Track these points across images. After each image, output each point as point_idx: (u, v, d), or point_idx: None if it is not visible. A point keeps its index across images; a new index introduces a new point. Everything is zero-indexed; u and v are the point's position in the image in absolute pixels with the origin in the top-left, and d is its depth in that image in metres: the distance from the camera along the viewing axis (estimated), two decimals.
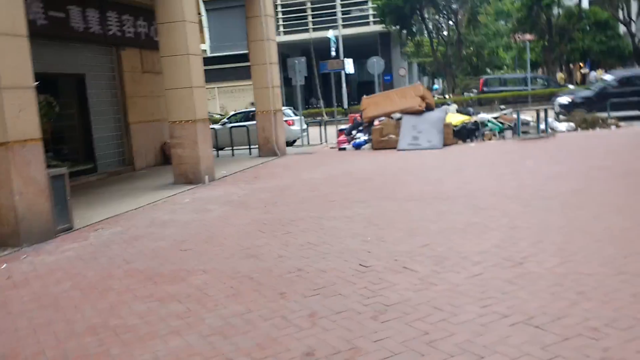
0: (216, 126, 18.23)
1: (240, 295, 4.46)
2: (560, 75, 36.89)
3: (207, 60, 43.22)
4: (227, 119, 19.86)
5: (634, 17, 36.72)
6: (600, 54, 37.40)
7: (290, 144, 19.25)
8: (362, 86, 38.55)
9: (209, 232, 6.80)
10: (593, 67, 37.87)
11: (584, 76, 35.64)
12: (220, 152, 17.40)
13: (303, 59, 18.95)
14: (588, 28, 37.43)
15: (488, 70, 44.39)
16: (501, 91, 29.79)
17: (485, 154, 12.37)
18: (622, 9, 36.76)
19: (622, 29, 38.50)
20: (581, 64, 39.21)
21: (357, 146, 15.85)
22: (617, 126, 16.30)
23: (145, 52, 14.98)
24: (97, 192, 11.10)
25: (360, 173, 10.84)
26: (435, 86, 39.69)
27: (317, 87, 23.66)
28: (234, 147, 17.30)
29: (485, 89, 30.45)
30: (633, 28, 37.00)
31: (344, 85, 29.25)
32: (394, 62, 40.42)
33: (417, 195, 8.05)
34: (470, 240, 5.51)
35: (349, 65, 28.68)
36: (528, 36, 38.23)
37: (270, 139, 15.33)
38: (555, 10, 36.99)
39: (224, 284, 4.78)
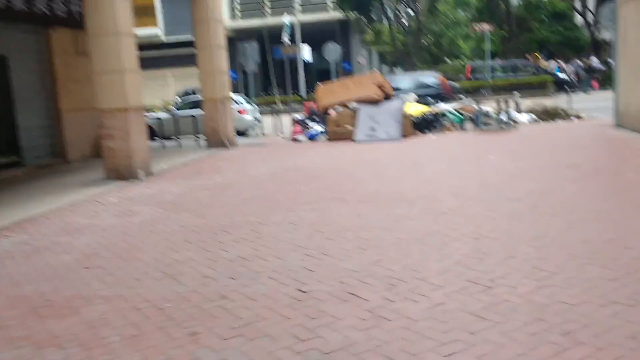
0: (161, 114, 16.98)
1: (142, 337, 3.50)
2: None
3: (161, 46, 41.43)
4: (177, 107, 18.64)
5: (591, 8, 36.85)
6: (557, 44, 37.48)
7: (242, 134, 18.20)
8: (322, 75, 37.58)
9: (126, 243, 5.77)
10: (550, 58, 37.86)
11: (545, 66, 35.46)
12: (167, 141, 16.18)
13: (254, 44, 17.88)
14: (546, 19, 37.43)
15: (447, 59, 44.07)
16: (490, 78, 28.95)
17: (446, 147, 11.64)
18: (581, 0, 36.84)
19: (579, 19, 38.69)
20: (537, 54, 39.20)
21: (312, 137, 14.94)
22: (579, 118, 15.90)
23: (80, 33, 13.61)
24: (18, 188, 9.86)
25: (311, 168, 9.94)
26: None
27: (271, 73, 22.56)
28: (183, 137, 16.10)
29: (471, 76, 29.80)
30: (590, 19, 37.18)
31: (301, 72, 28.22)
32: (354, 50, 39.58)
33: (371, 196, 7.20)
34: (430, 255, 4.68)
35: (306, 52, 27.69)
36: (486, 26, 37.99)
37: (218, 129, 14.25)
38: (515, 1, 36.78)
39: (125, 319, 3.80)
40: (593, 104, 18.56)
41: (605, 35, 38.87)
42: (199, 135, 15.27)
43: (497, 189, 7.09)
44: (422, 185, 7.65)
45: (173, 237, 5.87)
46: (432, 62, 42.33)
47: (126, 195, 8.51)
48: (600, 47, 37.93)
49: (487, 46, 35.50)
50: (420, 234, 5.29)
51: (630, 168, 7.83)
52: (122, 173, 9.65)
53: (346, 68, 35.93)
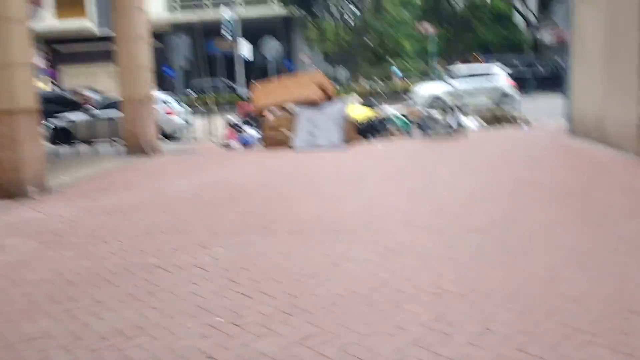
0: (76, 116, 15.16)
1: None
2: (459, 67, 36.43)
3: (93, 39, 38.69)
4: (98, 107, 16.78)
5: (534, 10, 37.02)
6: (499, 46, 37.47)
7: (171, 138, 16.59)
8: (265, 73, 36.00)
9: None
10: (490, 60, 37.79)
11: None
12: (83, 147, 14.36)
13: (186, 38, 16.29)
14: (488, 20, 37.34)
15: (390, 59, 43.46)
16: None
17: (392, 156, 10.53)
18: (523, 2, 36.94)
19: (520, 21, 38.87)
20: (476, 55, 39.09)
21: (246, 143, 13.55)
22: (527, 124, 15.21)
23: None
24: None
25: (240, 183, 8.58)
26: (396, 71, 37.20)
27: (205, 70, 20.97)
28: (102, 142, 14.32)
29: None
30: (531, 20, 37.36)
31: (237, 69, 26.67)
32: (297, 48, 38.33)
33: (306, 224, 5.93)
34: (377, 326, 3.44)
35: (246, 49, 26.19)
36: (429, 26, 37.58)
37: (138, 134, 12.64)
38: (460, 1, 36.46)
39: None
40: (539, 108, 17.99)
41: (545, 37, 39.29)
42: (117, 140, 13.59)
43: (453, 214, 5.96)
44: (367, 209, 6.44)
45: (37, 291, 4.40)
46: (377, 62, 41.63)
47: (3, 219, 6.90)
48: (540, 49, 38.26)
49: (432, 47, 35.09)
50: (364, 288, 4.04)
51: (600, 188, 6.90)
52: (6, 189, 7.98)
53: (289, 67, 34.62)
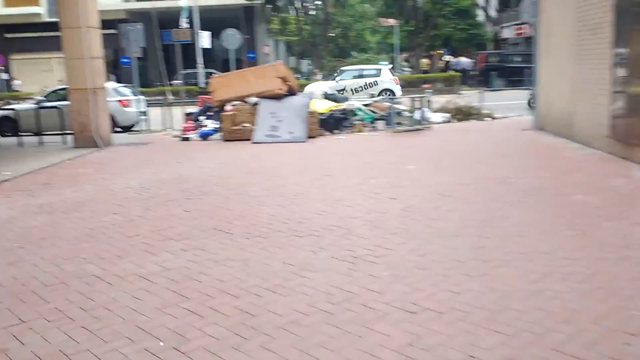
0: (17, 106, 14.22)
1: None
2: (424, 61, 36.41)
3: (45, 26, 37.17)
4: (45, 96, 15.83)
5: (495, 5, 37.22)
6: (460, 41, 37.56)
7: (127, 129, 15.79)
8: (226, 64, 35.17)
9: None
10: (454, 55, 37.86)
11: (446, 63, 35.40)
12: (27, 139, 13.45)
13: (139, 26, 15.50)
14: (451, 15, 37.33)
15: (353, 53, 43.13)
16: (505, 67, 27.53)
17: (357, 151, 10.11)
18: None
19: (482, 17, 39.04)
20: (439, 51, 39.11)
21: (205, 136, 12.92)
22: (492, 118, 15.04)
23: None
24: None
25: (196, 179, 8.00)
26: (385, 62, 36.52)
27: (160, 60, 20.11)
28: (48, 134, 13.42)
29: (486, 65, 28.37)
30: (492, 16, 37.59)
31: (199, 60, 25.82)
32: (259, 40, 37.53)
33: (265, 226, 5.44)
34: (345, 353, 2.98)
35: (205, 39, 25.37)
36: (392, 21, 37.33)
37: (88, 126, 11.86)
38: None
39: None
40: (502, 103, 17.86)
41: (505, 33, 39.60)
42: (66, 132, 12.75)
43: (424, 215, 5.57)
44: (331, 209, 5.99)
45: None
46: (340, 54, 41.22)
47: None
48: (501, 45, 38.53)
49: (395, 40, 34.89)
50: (328, 304, 3.59)
51: (574, 186, 6.62)
52: None
53: (251, 58, 33.85)
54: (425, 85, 26.75)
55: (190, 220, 5.76)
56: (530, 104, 16.83)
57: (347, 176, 7.77)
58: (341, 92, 19.78)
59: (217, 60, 34.81)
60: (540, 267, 4.08)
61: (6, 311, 3.70)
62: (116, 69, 34.07)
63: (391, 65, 25.97)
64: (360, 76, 22.47)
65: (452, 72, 30.10)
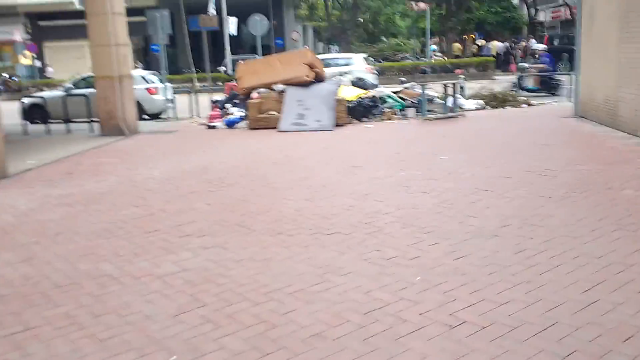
0: (46, 94, 14.19)
1: None
2: (456, 46, 35.45)
3: (77, 14, 37.43)
4: (74, 84, 15.79)
5: None
6: (494, 25, 36.49)
7: (154, 117, 15.67)
8: (255, 51, 34.72)
9: None
10: (487, 39, 36.77)
11: (480, 48, 34.39)
12: (56, 126, 13.40)
13: (166, 12, 15.28)
14: None
15: (382, 38, 42.35)
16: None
17: (386, 140, 9.72)
18: None
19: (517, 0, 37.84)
20: (472, 35, 38.02)
21: (231, 124, 12.67)
22: (529, 105, 14.43)
23: None
24: None
25: (220, 169, 7.75)
26: (433, 47, 35.73)
27: (187, 47, 19.89)
28: (76, 121, 13.35)
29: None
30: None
31: (227, 47, 25.56)
32: (287, 25, 37.12)
33: (289, 222, 5.14)
34: None
35: (232, 25, 25.07)
36: (423, 5, 36.41)
37: (115, 114, 11.72)
38: None
39: None
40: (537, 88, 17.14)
41: (541, 16, 38.31)
42: (93, 120, 12.67)
43: (460, 212, 5.19)
44: (359, 203, 5.66)
45: None
46: (369, 40, 40.58)
47: None
48: (537, 29, 37.30)
49: (426, 25, 34.06)
50: (356, 314, 3.27)
51: (622, 180, 6.13)
52: None
53: (278, 44, 33.50)
54: (458, 71, 26.11)
55: (212, 215, 5.50)
56: (521, 85, 16.17)
57: (376, 167, 7.41)
58: None
59: (245, 47, 34.53)
60: (591, 274, 3.68)
61: (12, 316, 3.49)
62: (147, 56, 34.15)
63: (366, 55, 24.72)
64: (334, 64, 20.77)
65: (485, 57, 29.21)
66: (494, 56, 29.74)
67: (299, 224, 5.08)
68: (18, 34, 33.08)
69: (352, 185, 6.46)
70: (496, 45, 31.94)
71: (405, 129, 11.08)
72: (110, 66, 11.58)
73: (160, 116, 15.84)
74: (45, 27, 35.69)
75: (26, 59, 32.96)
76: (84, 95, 13.04)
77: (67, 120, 13.18)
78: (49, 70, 34.65)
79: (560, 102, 14.60)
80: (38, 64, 34.10)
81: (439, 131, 10.52)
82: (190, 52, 19.37)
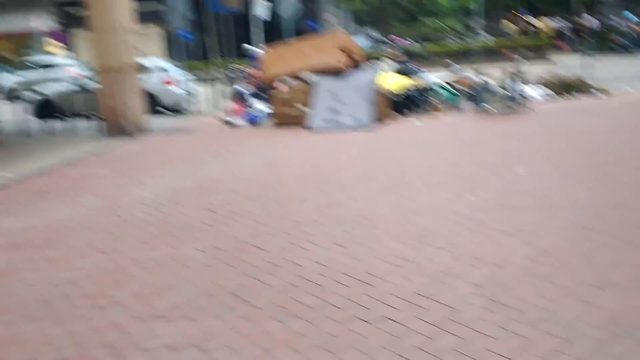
0: (59, 85, 12.74)
1: None
2: (508, 24, 32.62)
3: None
4: (89, 76, 14.34)
5: None
6: (545, 3, 33.66)
7: (172, 111, 14.09)
8: (287, 34, 32.91)
9: None
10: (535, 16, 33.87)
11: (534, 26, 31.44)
12: (65, 125, 11.90)
13: None
14: None
15: (424, 20, 39.90)
16: None
17: (440, 144, 7.84)
18: None
19: None
20: (516, 12, 35.12)
21: (253, 120, 10.97)
22: (605, 92, 12.22)
23: None
24: None
25: (227, 188, 6.04)
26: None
27: (211, 30, 18.19)
28: (91, 117, 11.79)
29: None
30: None
31: (255, 31, 23.82)
32: (322, 8, 35.15)
33: (308, 288, 3.40)
34: None
35: (261, 8, 23.30)
36: None
37: (119, 111, 10.16)
38: None
39: None
40: (609, 72, 14.77)
41: None
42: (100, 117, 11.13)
43: (573, 274, 3.35)
44: (413, 252, 3.86)
45: None
46: (410, 21, 38.28)
47: None
48: (594, 6, 34.27)
49: (472, 4, 31.53)
50: None
51: None
52: None
53: (312, 27, 31.59)
54: (509, 53, 23.73)
55: (201, 273, 3.79)
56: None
57: (431, 187, 5.57)
58: None
59: (274, 31, 32.80)
60: None
61: None
62: (173, 43, 32.71)
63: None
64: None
65: (542, 37, 26.66)
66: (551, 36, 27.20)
67: (324, 295, 3.32)
68: (43, 23, 32.12)
69: (400, 218, 4.65)
70: (551, 24, 29.24)
71: (463, 128, 9.15)
72: (112, 55, 10.00)
73: (181, 110, 14.22)
74: (74, 15, 34.74)
75: (55, 48, 32.03)
76: (88, 90, 11.50)
77: (81, 116, 11.62)
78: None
79: (638, 90, 12.35)
80: (67, 54, 33.16)
81: (504, 130, 8.56)
82: (215, 38, 17.71)
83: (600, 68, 14.05)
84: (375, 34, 34.08)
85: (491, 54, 23.03)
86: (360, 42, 14.60)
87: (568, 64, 17.53)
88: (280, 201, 5.40)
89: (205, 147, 8.79)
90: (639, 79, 12.99)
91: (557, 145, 7.15)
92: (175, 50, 25.74)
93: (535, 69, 14.47)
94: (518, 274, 3.44)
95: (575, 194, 4.97)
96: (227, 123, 11.09)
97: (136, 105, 10.47)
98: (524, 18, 34.54)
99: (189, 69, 18.41)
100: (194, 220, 4.97)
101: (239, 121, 11.05)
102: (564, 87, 12.10)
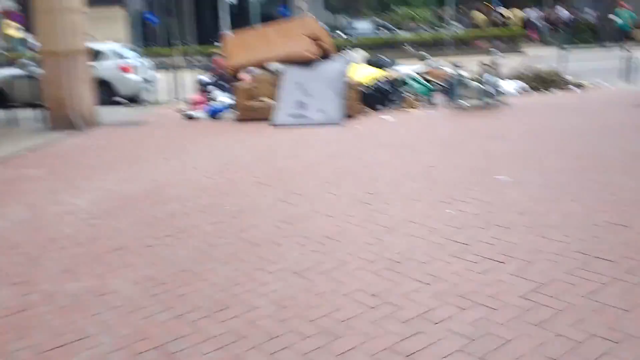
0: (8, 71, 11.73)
1: None
2: (477, 15, 32.20)
3: None
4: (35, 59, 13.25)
5: None
6: None
7: (132, 100, 13.16)
8: (257, 20, 31.77)
9: None
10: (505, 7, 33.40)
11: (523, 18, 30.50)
12: (8, 112, 10.87)
13: None
14: None
15: (395, 7, 39.25)
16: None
17: (413, 142, 7.24)
18: None
19: None
20: (488, 3, 34.61)
21: (214, 114, 10.20)
22: (581, 86, 11.84)
23: None
24: None
25: (177, 195, 5.31)
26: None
27: (177, 13, 17.21)
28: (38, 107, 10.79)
29: None
30: None
31: (223, 15, 22.89)
32: None
33: (270, 322, 2.73)
34: None
35: None
36: None
37: (65, 101, 9.26)
38: None
39: None
40: (583, 66, 14.37)
41: None
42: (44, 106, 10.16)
43: (571, 311, 2.76)
44: (387, 287, 3.23)
45: None
46: (381, 9, 37.63)
47: None
48: None
49: None
50: None
51: None
52: None
53: (283, 13, 30.62)
54: (481, 43, 23.30)
55: (127, 317, 3.08)
56: None
57: (405, 196, 4.95)
58: None
59: (244, 16, 31.75)
60: None
61: None
62: (145, 27, 31.26)
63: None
64: None
65: (514, 28, 26.30)
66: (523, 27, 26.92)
67: (279, 354, 2.65)
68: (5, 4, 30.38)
69: (372, 238, 4.02)
70: (520, 14, 28.90)
71: (436, 124, 8.58)
72: (57, 39, 9.08)
73: (139, 100, 13.27)
74: None
75: (11, 29, 30.34)
76: (31, 76, 10.53)
77: (31, 106, 10.61)
78: (37, 44, 32.06)
79: (614, 84, 11.99)
80: (24, 35, 31.46)
81: (482, 128, 8.00)
82: (176, 22, 16.71)
83: (573, 61, 13.65)
84: (380, 20, 32.99)
85: (463, 45, 22.61)
86: (365, 26, 13.74)
87: (540, 55, 17.20)
88: (234, 214, 4.71)
89: (157, 143, 8.01)
90: (615, 72, 12.63)
91: (538, 147, 6.61)
92: (140, 35, 24.58)
93: (508, 61, 14.00)
94: (513, 321, 2.84)
95: (564, 208, 4.41)
96: (186, 116, 10.29)
97: (85, 95, 9.58)
98: (494, 8, 34.16)
99: (151, 54, 17.44)
100: (130, 239, 4.23)
101: (199, 114, 10.26)
102: (540, 81, 11.65)
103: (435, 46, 22.32)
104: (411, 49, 21.52)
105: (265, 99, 9.50)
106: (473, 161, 6.11)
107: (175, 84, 13.10)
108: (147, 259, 3.84)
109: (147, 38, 26.03)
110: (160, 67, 15.18)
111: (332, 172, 5.93)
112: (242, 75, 10.29)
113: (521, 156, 6.24)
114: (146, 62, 14.20)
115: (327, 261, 3.67)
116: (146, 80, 13.49)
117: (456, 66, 10.00)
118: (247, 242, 4.06)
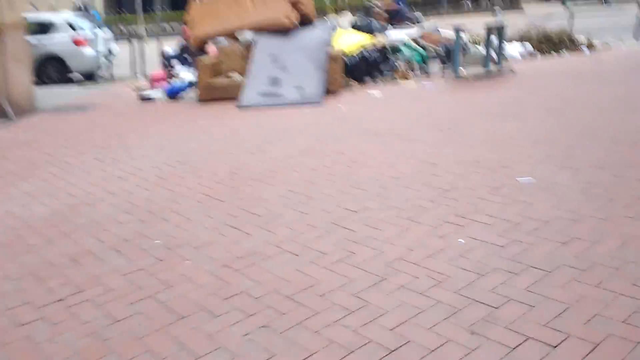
0: None
1: None
2: None
3: None
4: None
5: None
6: None
7: (88, 77, 11.72)
8: None
9: None
10: None
11: None
12: None
13: None
14: None
15: None
16: None
17: (406, 127, 5.92)
18: None
19: None
20: None
21: (174, 93, 8.78)
22: (591, 47, 10.48)
23: None
24: None
25: (98, 220, 3.99)
26: None
27: None
28: None
29: None
30: None
31: None
32: None
33: None
34: None
35: None
36: None
37: None
38: None
39: None
40: (590, 24, 12.88)
41: None
42: None
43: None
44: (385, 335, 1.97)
45: None
46: None
47: None
48: None
49: None
50: None
51: None
52: None
53: None
54: None
55: None
56: None
57: (398, 213, 3.66)
58: None
59: None
60: None
61: None
62: None
63: None
64: None
65: None
66: None
67: None
68: None
69: (353, 297, 2.73)
70: None
71: (434, 100, 7.23)
72: None
73: (96, 76, 11.78)
74: None
75: None
76: None
77: None
78: None
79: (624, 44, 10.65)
80: None
81: (488, 103, 6.68)
82: None
83: (578, 18, 12.21)
84: None
85: (457, 4, 21.00)
86: None
87: (539, 13, 15.69)
88: (161, 254, 3.39)
89: (96, 137, 6.60)
90: (622, 30, 11.26)
91: (562, 128, 5.32)
92: (110, 2, 22.70)
93: (510, 20, 12.53)
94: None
95: (621, 231, 3.14)
96: (142, 97, 8.87)
97: (20, 77, 8.13)
98: None
99: (111, 24, 15.82)
100: (1, 308, 2.92)
101: (157, 94, 8.84)
102: (548, 43, 10.25)
103: (429, 4, 20.72)
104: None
105: (234, 75, 8.10)
106: (483, 152, 4.81)
107: (138, 58, 11.63)
108: (16, 350, 2.55)
109: (121, 4, 24.20)
110: (124, 37, 13.66)
111: (303, 175, 4.61)
112: (210, 47, 8.85)
113: (543, 143, 4.94)
114: (105, 33, 12.68)
115: (278, 324, 2.39)
116: (106, 55, 12.02)
117: (458, 30, 8.55)
118: (169, 312, 2.74)
